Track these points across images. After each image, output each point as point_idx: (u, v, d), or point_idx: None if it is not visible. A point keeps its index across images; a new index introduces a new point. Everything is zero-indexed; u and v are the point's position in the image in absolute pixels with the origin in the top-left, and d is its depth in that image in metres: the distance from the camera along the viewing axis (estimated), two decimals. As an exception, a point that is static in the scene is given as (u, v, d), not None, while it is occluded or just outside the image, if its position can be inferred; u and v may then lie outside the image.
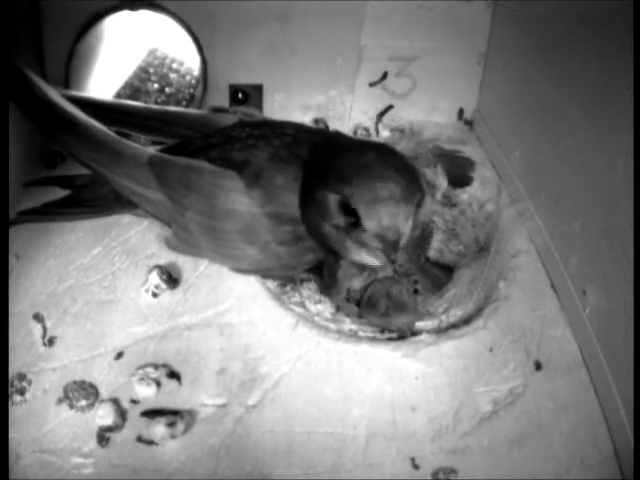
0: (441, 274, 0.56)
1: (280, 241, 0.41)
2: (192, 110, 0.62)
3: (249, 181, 0.41)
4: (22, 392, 0.44)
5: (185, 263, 0.54)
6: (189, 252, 0.47)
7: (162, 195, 0.42)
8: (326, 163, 0.38)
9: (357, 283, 0.55)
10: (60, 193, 0.48)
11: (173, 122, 0.49)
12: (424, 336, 0.49)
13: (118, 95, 0.65)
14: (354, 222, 0.36)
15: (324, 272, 0.55)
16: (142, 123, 0.49)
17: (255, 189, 0.40)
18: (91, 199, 0.47)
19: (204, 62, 0.65)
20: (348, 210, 0.36)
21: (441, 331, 0.50)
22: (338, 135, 0.48)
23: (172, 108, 0.55)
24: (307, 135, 0.44)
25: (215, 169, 0.41)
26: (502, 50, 0.68)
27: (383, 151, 0.39)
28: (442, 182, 0.55)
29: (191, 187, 0.41)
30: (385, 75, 0.71)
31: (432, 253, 0.59)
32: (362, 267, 0.55)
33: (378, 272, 0.55)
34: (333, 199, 0.37)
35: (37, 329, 0.48)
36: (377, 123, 0.73)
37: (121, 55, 0.66)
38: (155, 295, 0.51)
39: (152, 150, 0.43)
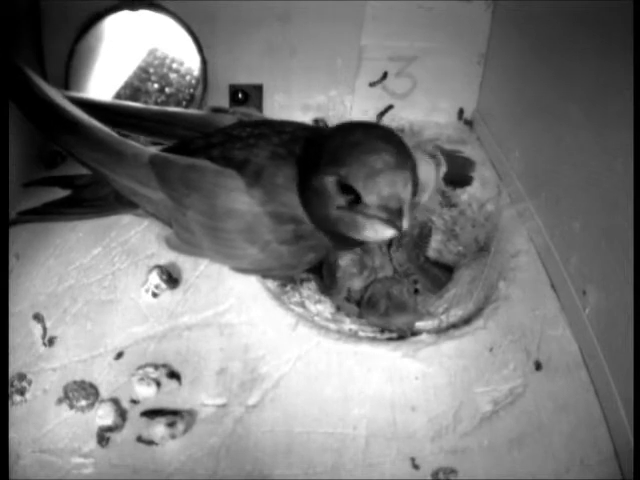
0: (441, 274, 0.56)
1: (281, 240, 0.41)
2: (192, 110, 0.62)
3: (250, 180, 0.40)
4: (22, 392, 0.44)
5: (185, 263, 0.54)
6: (190, 252, 0.47)
7: (163, 195, 0.42)
8: (317, 152, 0.38)
9: (357, 283, 0.55)
10: (60, 193, 0.47)
11: (172, 123, 0.49)
12: (424, 336, 0.49)
13: (118, 95, 0.65)
14: (355, 199, 0.37)
15: (324, 272, 0.55)
16: (141, 124, 0.48)
17: (256, 188, 0.40)
18: (92, 199, 0.47)
19: (204, 62, 0.65)
20: (347, 189, 0.36)
21: (441, 331, 0.50)
22: (327, 128, 0.48)
23: (171, 109, 0.55)
24: (303, 132, 0.44)
25: (216, 168, 0.41)
26: (502, 50, 0.68)
27: (368, 126, 0.40)
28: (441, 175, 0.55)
29: (192, 186, 0.41)
30: (385, 75, 0.71)
31: (432, 253, 0.59)
32: (362, 267, 0.55)
33: (378, 272, 0.56)
34: (330, 182, 0.37)
35: (37, 329, 0.48)
36: (377, 123, 0.73)
37: (121, 55, 0.66)
38: (155, 295, 0.51)
39: (153, 150, 0.43)
